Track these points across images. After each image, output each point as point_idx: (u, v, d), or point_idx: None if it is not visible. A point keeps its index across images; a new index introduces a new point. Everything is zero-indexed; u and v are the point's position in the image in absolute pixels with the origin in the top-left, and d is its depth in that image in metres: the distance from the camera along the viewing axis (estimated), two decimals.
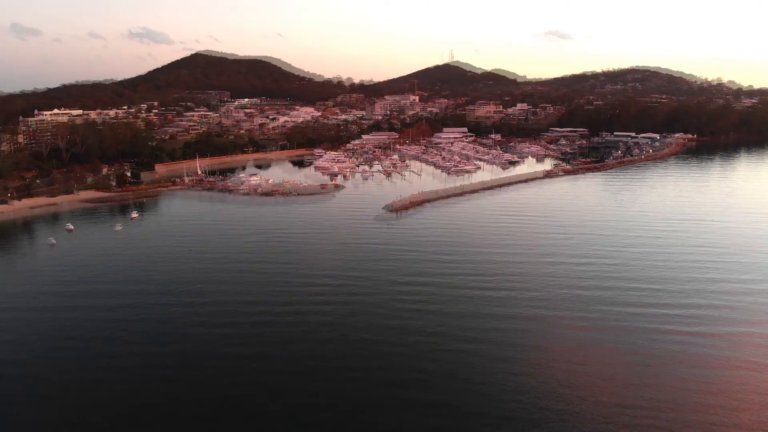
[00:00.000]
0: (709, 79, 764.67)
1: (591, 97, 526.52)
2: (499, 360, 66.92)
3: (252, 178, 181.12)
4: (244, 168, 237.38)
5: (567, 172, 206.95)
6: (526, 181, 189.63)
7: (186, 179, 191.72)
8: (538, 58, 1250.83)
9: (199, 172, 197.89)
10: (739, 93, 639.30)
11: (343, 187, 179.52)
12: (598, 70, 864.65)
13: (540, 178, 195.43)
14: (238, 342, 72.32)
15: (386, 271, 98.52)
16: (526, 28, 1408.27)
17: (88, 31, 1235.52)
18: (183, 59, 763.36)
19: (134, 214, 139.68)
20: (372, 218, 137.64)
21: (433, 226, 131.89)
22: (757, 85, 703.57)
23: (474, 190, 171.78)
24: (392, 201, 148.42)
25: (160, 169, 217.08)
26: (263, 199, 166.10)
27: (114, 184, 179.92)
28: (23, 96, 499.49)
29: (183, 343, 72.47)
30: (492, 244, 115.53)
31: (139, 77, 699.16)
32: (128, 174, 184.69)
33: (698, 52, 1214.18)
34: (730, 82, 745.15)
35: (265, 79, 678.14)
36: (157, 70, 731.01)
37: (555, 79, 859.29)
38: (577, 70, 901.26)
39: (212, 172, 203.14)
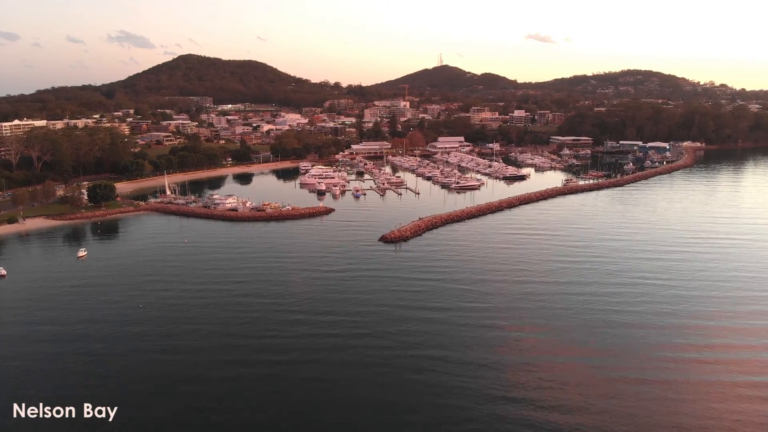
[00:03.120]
0: (702, 82, 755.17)
1: (588, 102, 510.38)
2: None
3: (227, 200, 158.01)
4: (220, 186, 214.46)
5: (581, 190, 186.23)
6: (537, 200, 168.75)
7: (152, 201, 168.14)
8: (525, 62, 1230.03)
9: (168, 192, 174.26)
10: (735, 96, 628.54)
11: (333, 209, 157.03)
12: (588, 73, 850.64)
13: (552, 196, 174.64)
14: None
15: (385, 320, 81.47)
16: (510, 32, 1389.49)
17: (66, 35, 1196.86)
18: (166, 63, 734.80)
19: (81, 253, 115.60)
20: (367, 253, 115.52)
21: (438, 257, 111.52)
22: (748, 88, 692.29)
23: (481, 212, 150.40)
24: (390, 231, 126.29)
25: (125, 187, 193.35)
26: (240, 226, 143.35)
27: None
28: None
29: (129, 407, 58.11)
30: (505, 276, 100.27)
31: (119, 82, 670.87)
32: (84, 196, 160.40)
33: (688, 55, 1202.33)
34: (722, 85, 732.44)
35: (250, 84, 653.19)
36: (137, 74, 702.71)
37: (546, 82, 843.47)
38: (566, 74, 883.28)
39: (183, 191, 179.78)
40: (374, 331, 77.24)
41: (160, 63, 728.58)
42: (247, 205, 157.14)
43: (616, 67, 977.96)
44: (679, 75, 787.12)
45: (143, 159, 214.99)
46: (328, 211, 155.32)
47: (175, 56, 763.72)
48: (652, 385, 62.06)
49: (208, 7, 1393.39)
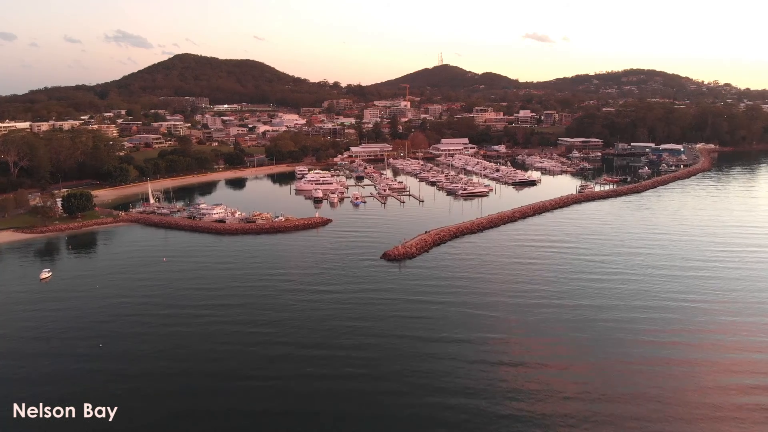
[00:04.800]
0: (706, 82, 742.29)
1: (593, 102, 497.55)
2: None
3: (214, 210, 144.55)
4: (211, 192, 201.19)
5: (598, 197, 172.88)
6: (552, 209, 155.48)
7: (134, 210, 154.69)
8: (524, 61, 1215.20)
9: (152, 200, 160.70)
10: (741, 96, 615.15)
11: (330, 220, 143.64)
12: (590, 72, 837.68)
13: (567, 204, 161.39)
14: None
15: (389, 355, 70.18)
16: (507, 31, 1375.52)
17: (63, 35, 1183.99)
18: (161, 62, 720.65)
19: (45, 274, 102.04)
20: (367, 272, 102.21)
21: (447, 277, 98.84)
22: (753, 87, 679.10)
23: (493, 224, 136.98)
24: (393, 247, 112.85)
25: (107, 194, 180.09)
26: (227, 240, 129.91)
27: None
28: None
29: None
30: (521, 298, 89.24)
31: (113, 82, 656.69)
32: (59, 206, 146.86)
33: (688, 55, 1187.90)
34: (726, 84, 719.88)
35: (247, 84, 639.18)
36: (132, 74, 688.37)
37: (548, 82, 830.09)
38: (567, 73, 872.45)
39: (169, 199, 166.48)
40: (376, 370, 65.84)
41: (156, 63, 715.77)
42: (236, 215, 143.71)
43: (616, 66, 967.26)
44: (683, 74, 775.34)
45: (129, 164, 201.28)
46: (325, 222, 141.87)
47: (171, 56, 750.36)
48: None
49: (206, 6, 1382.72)
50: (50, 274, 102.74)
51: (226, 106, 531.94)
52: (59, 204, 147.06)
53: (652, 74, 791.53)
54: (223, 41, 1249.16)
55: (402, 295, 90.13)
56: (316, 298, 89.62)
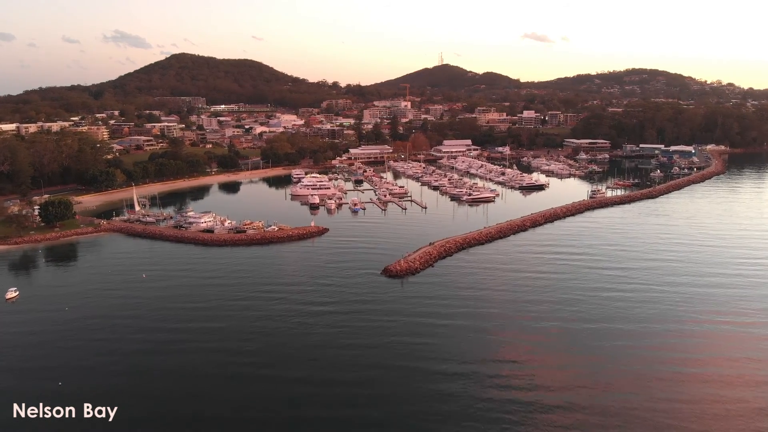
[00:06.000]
0: (709, 81, 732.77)
1: (597, 102, 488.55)
2: None
3: (203, 219, 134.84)
4: (203, 197, 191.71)
5: (612, 203, 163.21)
6: (563, 216, 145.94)
7: (117, 219, 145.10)
8: (524, 61, 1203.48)
9: (137, 207, 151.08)
10: (745, 96, 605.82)
11: (326, 230, 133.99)
12: (592, 72, 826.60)
13: (580, 211, 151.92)
14: None
15: (388, 386, 61.86)
16: (506, 31, 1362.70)
17: (62, 35, 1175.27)
18: (158, 62, 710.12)
19: (11, 294, 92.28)
20: (365, 289, 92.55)
21: (453, 294, 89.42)
22: (756, 87, 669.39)
23: (502, 233, 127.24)
24: (395, 261, 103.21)
25: (92, 200, 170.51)
26: (215, 252, 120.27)
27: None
28: None
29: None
30: (536, 316, 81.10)
31: (109, 82, 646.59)
32: (36, 213, 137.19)
33: (687, 54, 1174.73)
34: (729, 84, 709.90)
35: (245, 84, 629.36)
36: (128, 74, 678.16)
37: (549, 81, 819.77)
38: (568, 73, 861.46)
39: (155, 205, 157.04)
40: (375, 400, 58.13)
41: (153, 62, 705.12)
42: (226, 224, 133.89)
43: (616, 66, 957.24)
44: (685, 74, 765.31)
45: (116, 167, 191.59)
46: (321, 231, 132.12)
47: (169, 56, 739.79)
48: None
49: (204, 7, 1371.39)
50: (17, 293, 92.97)
51: (223, 106, 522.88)
52: (36, 212, 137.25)
53: (654, 74, 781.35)
54: (221, 41, 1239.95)
55: (404, 315, 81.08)
56: (308, 313, 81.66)
